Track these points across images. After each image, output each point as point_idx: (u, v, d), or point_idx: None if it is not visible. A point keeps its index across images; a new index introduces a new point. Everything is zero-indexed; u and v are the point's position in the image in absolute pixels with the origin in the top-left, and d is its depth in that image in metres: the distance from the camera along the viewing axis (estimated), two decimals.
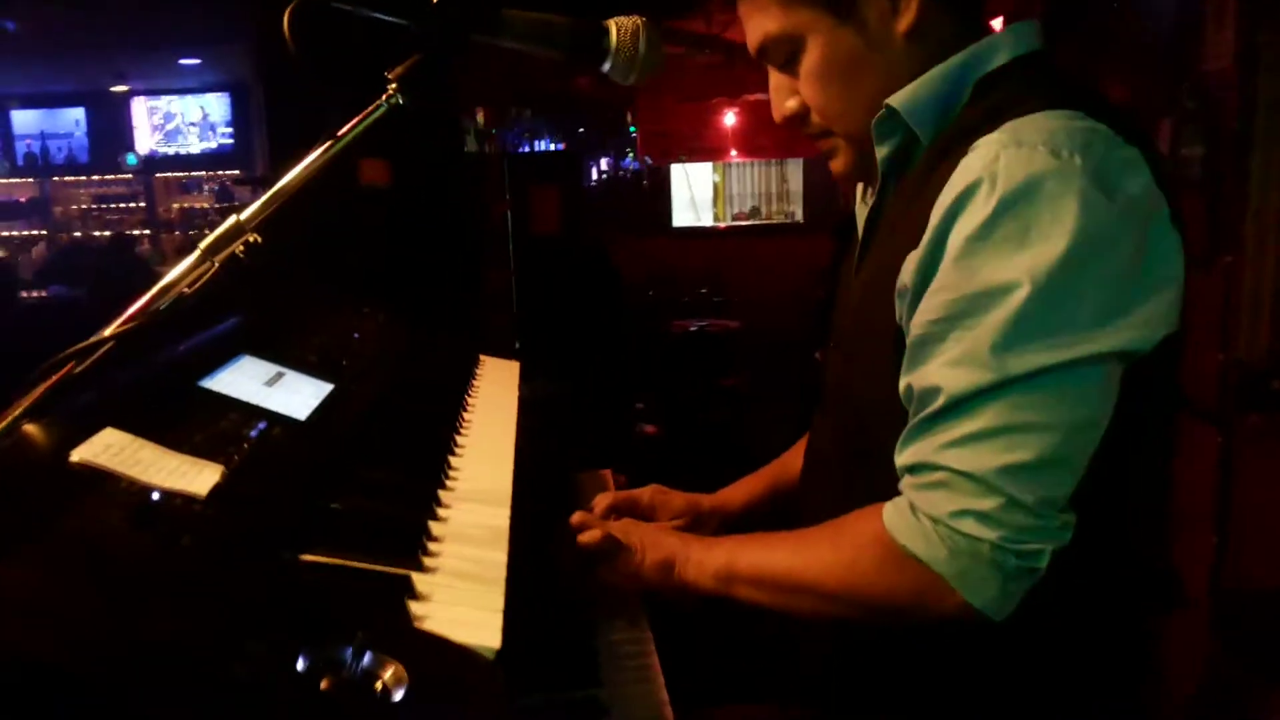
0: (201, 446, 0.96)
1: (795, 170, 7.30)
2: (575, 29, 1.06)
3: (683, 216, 7.37)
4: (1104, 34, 3.28)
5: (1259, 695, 2.38)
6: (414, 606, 0.83)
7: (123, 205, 10.08)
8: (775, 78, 1.15)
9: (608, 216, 7.24)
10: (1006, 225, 0.91)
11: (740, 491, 1.50)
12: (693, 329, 6.02)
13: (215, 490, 0.87)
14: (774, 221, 7.39)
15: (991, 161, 0.93)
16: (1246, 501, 2.60)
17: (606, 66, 1.08)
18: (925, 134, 1.07)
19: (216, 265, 0.98)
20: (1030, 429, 0.91)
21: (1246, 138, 2.66)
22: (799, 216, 7.33)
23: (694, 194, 7.42)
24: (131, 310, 0.98)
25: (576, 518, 1.24)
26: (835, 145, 1.16)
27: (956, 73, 1.06)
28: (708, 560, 1.13)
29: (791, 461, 1.48)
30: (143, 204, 10.09)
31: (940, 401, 0.94)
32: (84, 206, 10.08)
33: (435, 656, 0.76)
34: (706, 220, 7.41)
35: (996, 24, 4.20)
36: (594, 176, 7.78)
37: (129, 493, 0.83)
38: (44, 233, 10.05)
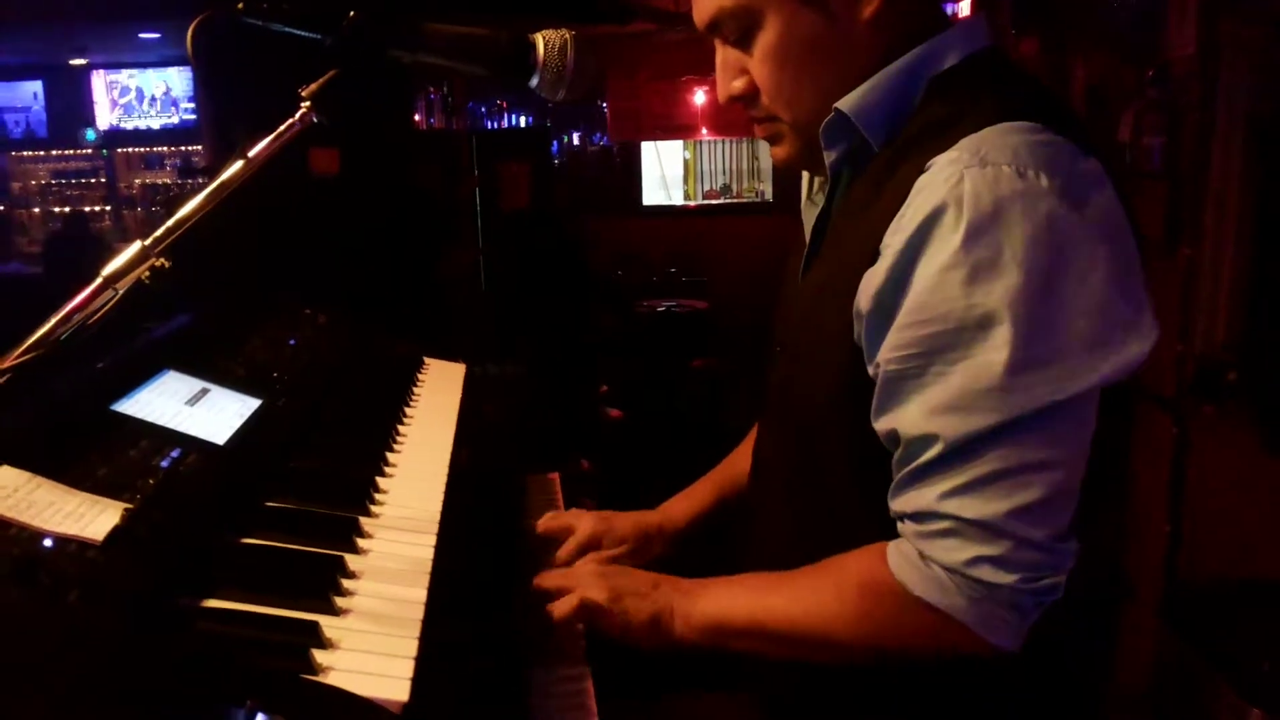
0: (106, 482, 0.93)
1: (765, 147, 7.23)
2: (499, 44, 1.02)
3: (654, 195, 7.29)
4: (1070, 22, 3.25)
5: (1211, 685, 2.39)
6: (319, 656, 0.80)
7: (83, 181, 9.88)
8: (723, 54, 1.10)
9: (577, 194, 7.17)
10: (979, 253, 0.87)
11: (686, 504, 1.45)
12: (661, 309, 5.98)
13: (113, 534, 0.83)
14: (744, 200, 7.35)
15: (956, 184, 0.89)
16: (1200, 492, 2.61)
17: (534, 82, 1.04)
18: (877, 138, 1.03)
19: (119, 294, 0.94)
20: (1034, 468, 0.89)
21: (1208, 127, 2.65)
22: (768, 195, 7.30)
23: (665, 171, 7.34)
24: (31, 340, 0.94)
25: (545, 580, 1.18)
26: (780, 131, 1.12)
27: (908, 73, 1.02)
28: (695, 613, 1.09)
29: (735, 466, 1.44)
30: (103, 179, 9.89)
31: (938, 449, 0.91)
32: (43, 182, 9.87)
33: (335, 715, 0.73)
34: (677, 198, 7.35)
35: (965, 7, 4.16)
36: (562, 152, 7.70)
37: (17, 541, 0.79)
38: (1, 208, 9.84)
